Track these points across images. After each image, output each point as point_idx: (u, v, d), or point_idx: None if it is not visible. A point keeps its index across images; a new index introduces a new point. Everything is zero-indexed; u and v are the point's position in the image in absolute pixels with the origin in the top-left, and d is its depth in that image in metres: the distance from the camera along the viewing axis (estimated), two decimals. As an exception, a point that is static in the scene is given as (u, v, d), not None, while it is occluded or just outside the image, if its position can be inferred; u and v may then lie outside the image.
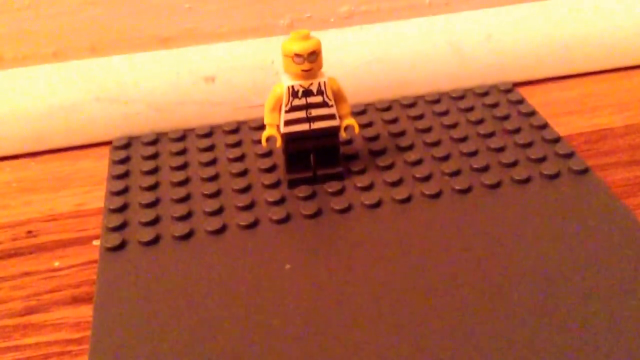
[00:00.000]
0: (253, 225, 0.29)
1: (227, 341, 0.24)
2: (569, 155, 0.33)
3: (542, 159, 0.32)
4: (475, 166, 0.32)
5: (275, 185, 0.32)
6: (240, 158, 0.34)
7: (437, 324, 0.24)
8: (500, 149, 0.34)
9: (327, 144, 0.31)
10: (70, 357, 0.25)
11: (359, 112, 0.38)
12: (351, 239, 0.29)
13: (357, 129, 0.32)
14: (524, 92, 0.40)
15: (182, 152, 0.35)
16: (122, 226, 0.30)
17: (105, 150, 0.37)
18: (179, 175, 0.33)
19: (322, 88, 0.30)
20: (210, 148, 0.35)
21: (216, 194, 0.32)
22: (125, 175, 0.34)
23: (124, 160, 0.35)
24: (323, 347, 0.23)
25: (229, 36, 0.39)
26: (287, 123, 0.30)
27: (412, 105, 0.38)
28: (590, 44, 0.41)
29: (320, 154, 0.31)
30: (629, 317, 0.24)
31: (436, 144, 0.34)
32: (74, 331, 0.26)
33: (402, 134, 0.36)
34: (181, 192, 0.32)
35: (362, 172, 0.32)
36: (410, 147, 0.34)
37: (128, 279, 0.27)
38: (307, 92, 0.30)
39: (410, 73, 0.39)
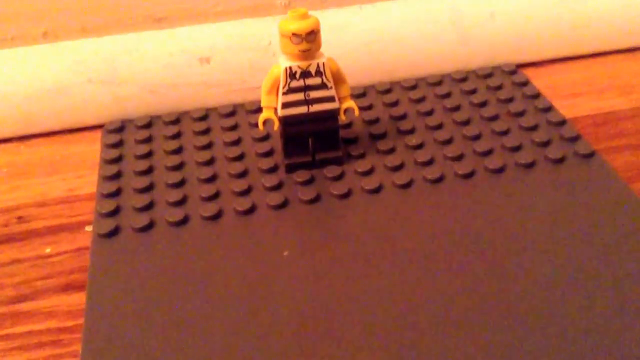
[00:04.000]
0: (250, 211, 0.29)
1: (223, 329, 0.23)
2: (575, 139, 0.32)
3: (547, 143, 0.32)
4: (478, 150, 0.32)
5: (272, 169, 0.31)
6: (237, 142, 0.34)
7: (438, 310, 0.24)
8: (504, 133, 0.33)
9: (326, 127, 0.30)
10: (63, 346, 0.25)
11: (358, 95, 0.37)
12: (351, 225, 0.28)
13: (357, 112, 0.31)
14: (528, 73, 0.39)
15: (177, 136, 0.35)
16: (115, 212, 0.29)
17: (98, 134, 0.36)
18: (174, 160, 0.32)
19: (321, 69, 0.29)
20: (206, 131, 0.35)
21: (212, 179, 0.31)
22: (118, 159, 0.33)
23: (117, 144, 0.34)
24: (322, 334, 0.23)
25: (225, 16, 0.38)
26: (285, 106, 0.30)
27: (413, 87, 0.38)
28: (596, 24, 0.40)
29: (319, 137, 0.31)
30: (635, 300, 0.23)
31: (438, 127, 0.34)
32: (67, 319, 0.26)
33: (403, 117, 0.35)
34: (176, 176, 0.31)
35: (362, 156, 0.32)
36: (411, 131, 0.34)
37: (121, 266, 0.27)
38: (306, 74, 0.29)
39: (411, 54, 0.38)
